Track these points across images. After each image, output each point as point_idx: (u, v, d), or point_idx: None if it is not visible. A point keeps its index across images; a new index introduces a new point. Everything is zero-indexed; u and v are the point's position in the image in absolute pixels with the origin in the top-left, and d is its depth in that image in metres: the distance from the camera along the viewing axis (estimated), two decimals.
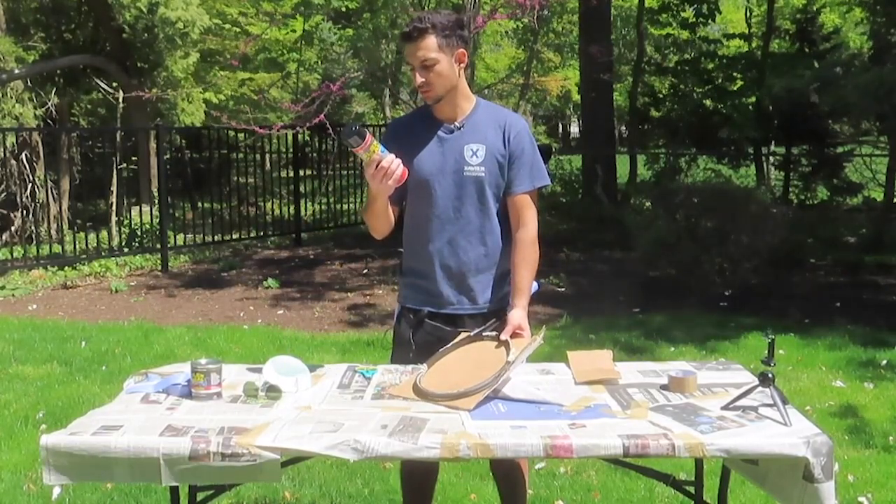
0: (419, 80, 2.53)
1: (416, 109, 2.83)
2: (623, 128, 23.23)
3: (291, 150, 11.72)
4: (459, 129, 2.62)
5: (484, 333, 2.56)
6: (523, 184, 2.64)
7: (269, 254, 10.47)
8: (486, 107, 2.68)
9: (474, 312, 2.66)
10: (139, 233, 10.44)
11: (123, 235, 10.58)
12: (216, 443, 1.96)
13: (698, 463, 2.52)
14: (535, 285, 2.70)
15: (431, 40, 2.51)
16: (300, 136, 11.77)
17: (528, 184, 2.64)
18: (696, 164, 12.19)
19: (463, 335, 2.57)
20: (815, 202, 11.42)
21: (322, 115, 8.15)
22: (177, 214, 10.56)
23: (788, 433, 2.00)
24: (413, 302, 2.70)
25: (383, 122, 18.97)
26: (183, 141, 13.60)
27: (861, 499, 3.45)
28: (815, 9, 12.72)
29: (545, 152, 14.23)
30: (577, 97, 25.04)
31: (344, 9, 16.18)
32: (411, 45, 2.52)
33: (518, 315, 2.57)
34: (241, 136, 11.91)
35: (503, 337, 2.49)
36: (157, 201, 9.85)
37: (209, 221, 10.48)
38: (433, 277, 2.65)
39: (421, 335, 2.66)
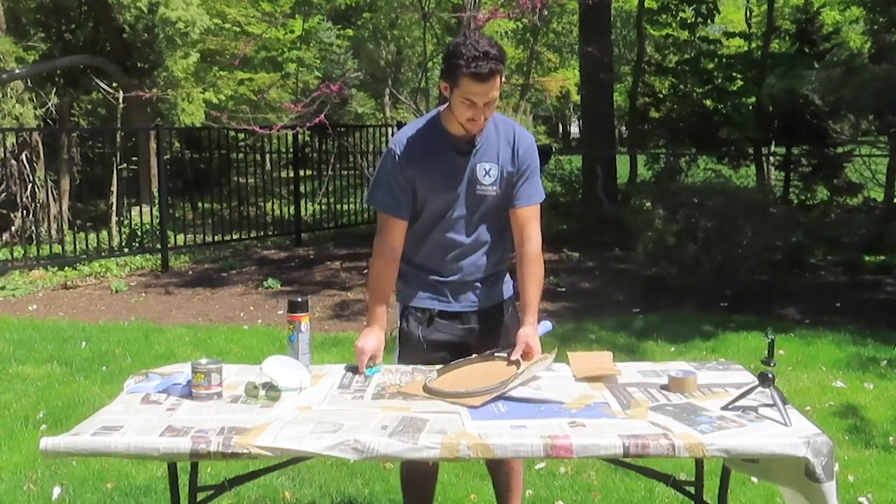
0: (480, 117, 2.47)
1: (426, 122, 2.67)
2: (623, 128, 23.23)
3: (291, 150, 11.72)
4: (473, 146, 2.59)
5: (495, 354, 2.58)
6: (530, 197, 2.65)
7: (269, 254, 10.47)
8: (497, 121, 2.64)
9: (485, 307, 2.72)
10: (139, 233, 10.44)
11: (123, 235, 10.58)
12: (216, 443, 1.96)
13: (698, 463, 2.53)
14: (548, 325, 2.71)
15: (499, 79, 2.43)
16: (300, 136, 11.77)
17: (534, 197, 2.66)
18: (696, 164, 12.17)
19: (474, 356, 2.60)
20: (815, 202, 11.41)
21: (322, 116, 8.15)
22: (177, 214, 10.57)
23: (788, 433, 2.00)
24: (421, 301, 2.70)
25: (383, 122, 18.98)
26: (181, 143, 13.60)
27: (861, 499, 3.45)
28: (814, 9, 12.69)
29: (545, 152, 14.21)
30: (577, 97, 25.05)
31: (343, 6, 16.17)
32: (483, 86, 2.40)
33: (528, 333, 2.57)
34: (240, 136, 11.91)
35: (514, 357, 2.50)
36: (157, 201, 9.85)
37: (209, 221, 10.48)
38: (442, 283, 2.68)
39: (431, 332, 2.68)
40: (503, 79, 2.50)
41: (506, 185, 2.62)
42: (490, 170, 2.60)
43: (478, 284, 2.69)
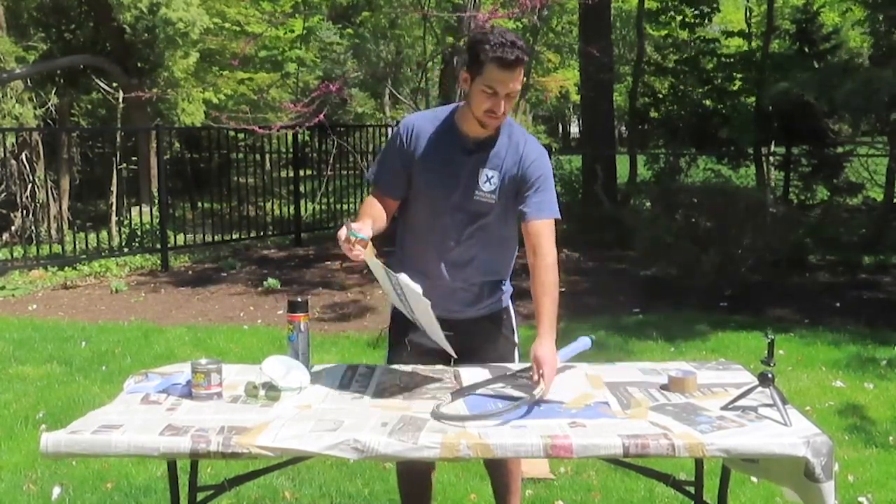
0: (500, 109, 2.38)
1: (441, 112, 2.61)
2: (623, 128, 23.23)
3: (291, 150, 11.73)
4: (480, 150, 2.52)
5: (518, 375, 2.44)
6: (541, 210, 2.53)
7: (269, 253, 10.47)
8: (512, 131, 2.54)
9: (474, 315, 2.66)
10: (139, 233, 10.44)
11: (123, 235, 10.58)
12: (216, 442, 1.96)
13: (698, 463, 2.52)
14: (586, 342, 2.59)
15: (522, 72, 2.38)
16: (300, 136, 11.77)
17: (545, 212, 2.55)
18: (696, 164, 12.16)
19: (495, 376, 2.44)
20: (815, 202, 11.41)
21: (322, 116, 8.14)
22: (176, 214, 10.57)
23: (788, 433, 2.00)
24: None
25: (383, 122, 18.97)
26: (181, 143, 13.60)
27: (861, 499, 3.45)
28: (814, 9, 12.69)
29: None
30: (576, 97, 25.03)
31: (344, 4, 16.12)
32: (508, 73, 2.33)
33: (539, 348, 2.36)
34: (240, 136, 11.91)
35: (535, 378, 2.32)
36: (156, 201, 9.85)
37: (209, 221, 10.48)
38: (431, 286, 2.63)
39: (417, 336, 2.64)
40: (525, 78, 2.42)
41: (506, 197, 2.53)
42: (492, 177, 2.51)
43: (467, 292, 2.64)
